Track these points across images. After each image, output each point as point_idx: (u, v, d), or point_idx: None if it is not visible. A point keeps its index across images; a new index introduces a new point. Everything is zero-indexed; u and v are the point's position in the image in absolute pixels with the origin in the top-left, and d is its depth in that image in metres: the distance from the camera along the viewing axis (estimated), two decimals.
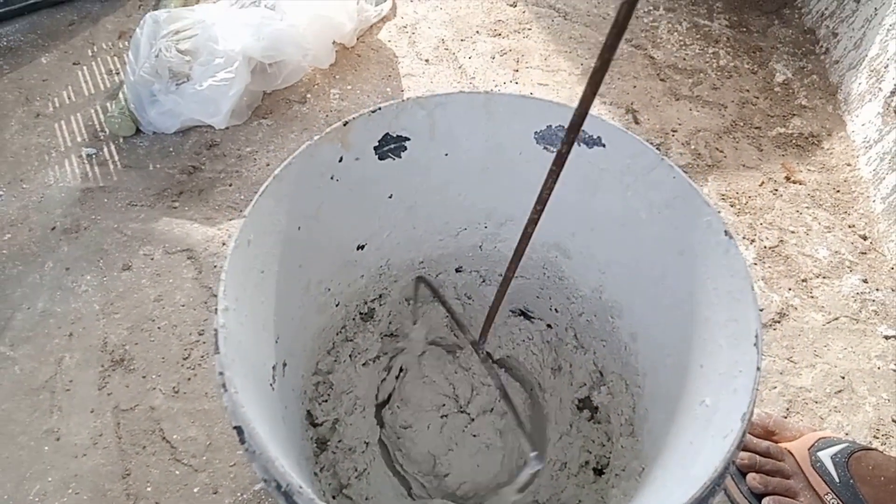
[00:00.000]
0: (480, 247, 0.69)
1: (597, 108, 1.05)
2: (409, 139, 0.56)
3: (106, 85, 1.02)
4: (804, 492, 0.65)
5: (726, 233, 0.47)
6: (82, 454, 0.69)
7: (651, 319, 0.56)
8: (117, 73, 1.03)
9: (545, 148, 0.56)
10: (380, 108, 0.52)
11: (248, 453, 0.39)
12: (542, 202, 0.41)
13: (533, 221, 0.42)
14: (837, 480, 0.64)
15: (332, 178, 0.54)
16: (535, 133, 0.55)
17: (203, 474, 0.68)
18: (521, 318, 0.74)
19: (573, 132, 0.37)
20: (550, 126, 0.54)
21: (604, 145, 0.53)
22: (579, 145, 0.54)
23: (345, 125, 0.52)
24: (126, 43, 1.07)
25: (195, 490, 0.67)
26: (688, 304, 0.49)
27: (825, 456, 0.66)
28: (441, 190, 0.61)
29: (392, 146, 0.56)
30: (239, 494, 0.67)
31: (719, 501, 0.68)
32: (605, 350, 0.64)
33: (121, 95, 0.95)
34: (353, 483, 0.63)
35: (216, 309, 0.43)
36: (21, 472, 0.67)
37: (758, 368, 0.40)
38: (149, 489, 0.67)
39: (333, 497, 0.60)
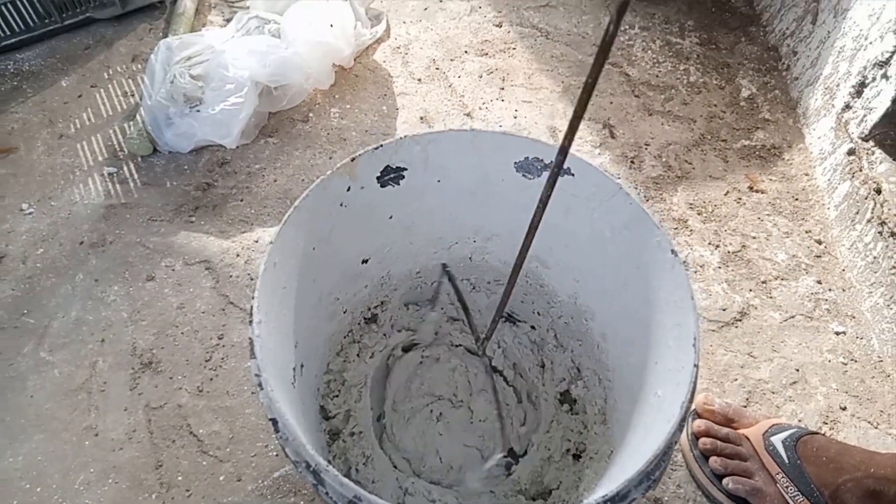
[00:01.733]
0: (470, 258, 0.78)
1: None
2: (406, 169, 0.65)
3: (122, 106, 1.10)
4: (759, 472, 0.74)
5: (672, 251, 0.56)
6: (119, 448, 0.77)
7: (617, 322, 0.65)
8: (132, 95, 1.11)
9: (524, 175, 0.65)
10: (381, 146, 0.61)
11: (282, 440, 0.48)
12: (533, 227, 0.50)
13: (526, 246, 0.51)
14: (787, 461, 0.73)
15: (341, 204, 0.63)
16: (515, 163, 0.64)
17: (227, 464, 0.77)
18: (508, 322, 0.83)
19: (551, 183, 0.45)
20: (528, 157, 0.63)
21: (573, 175, 0.62)
22: None
23: (352, 161, 0.60)
24: (139, 65, 1.15)
25: (221, 478, 0.76)
26: (644, 309, 0.58)
27: (777, 440, 0.75)
28: (435, 211, 0.70)
29: (392, 175, 0.64)
30: (260, 481, 0.75)
31: (685, 481, 0.78)
32: (581, 349, 0.74)
33: (138, 117, 1.03)
34: (361, 469, 0.72)
35: (251, 321, 0.52)
36: (66, 465, 0.75)
37: (695, 365, 0.49)
38: (179, 478, 0.75)
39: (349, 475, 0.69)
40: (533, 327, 0.82)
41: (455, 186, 0.68)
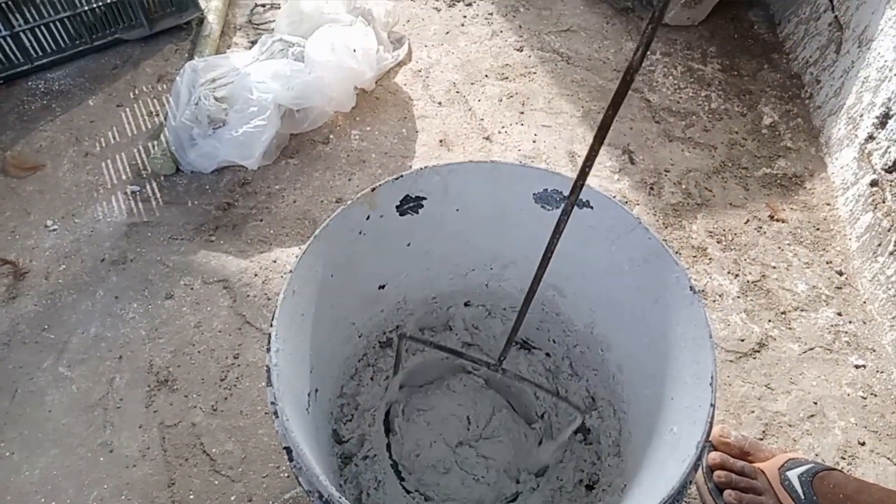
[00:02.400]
0: (487, 285, 0.78)
1: None
2: (425, 198, 0.65)
3: (147, 126, 1.12)
4: None
5: (691, 288, 0.56)
6: (133, 465, 0.78)
7: (634, 355, 0.65)
8: (157, 115, 1.13)
9: (542, 207, 0.65)
10: (402, 176, 0.62)
11: (295, 469, 0.48)
12: (548, 255, 0.50)
13: (540, 275, 0.51)
14: (803, 497, 0.72)
15: (360, 233, 0.64)
16: (534, 194, 0.64)
17: (239, 484, 0.77)
18: (523, 349, 0.82)
19: (566, 213, 0.46)
20: (546, 189, 0.63)
21: (591, 207, 0.62)
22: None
23: (372, 191, 0.61)
24: (165, 85, 1.17)
25: (232, 498, 0.76)
26: (662, 344, 0.58)
27: (793, 475, 0.74)
28: (453, 239, 0.70)
29: (411, 204, 0.65)
30: (271, 502, 0.75)
31: None
32: (597, 378, 0.73)
33: (162, 137, 1.05)
34: (372, 493, 0.71)
35: (268, 349, 0.52)
36: (80, 480, 0.76)
37: (711, 405, 0.49)
38: (191, 497, 0.76)
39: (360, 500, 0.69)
40: (548, 354, 0.81)
41: (473, 216, 0.69)
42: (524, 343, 0.83)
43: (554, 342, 0.80)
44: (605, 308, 0.69)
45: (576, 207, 0.64)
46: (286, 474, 0.78)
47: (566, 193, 0.63)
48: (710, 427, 0.49)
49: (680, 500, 0.46)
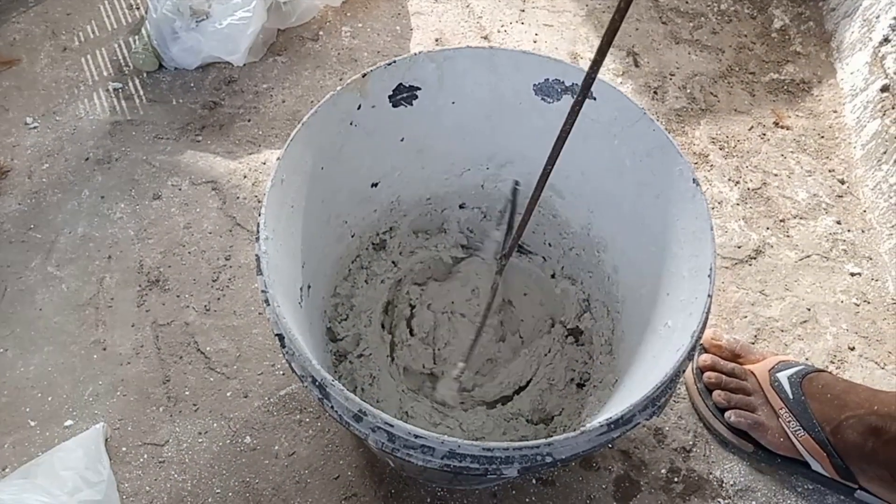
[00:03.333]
0: (482, 186, 0.76)
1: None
2: (420, 88, 0.62)
3: (127, 20, 1.06)
4: (762, 407, 0.74)
5: (694, 180, 0.54)
6: (126, 362, 0.78)
7: (631, 254, 0.64)
8: (137, 8, 1.07)
9: (542, 99, 0.62)
10: (394, 62, 0.58)
11: (287, 355, 0.48)
12: (552, 160, 0.48)
13: (543, 180, 0.49)
14: (791, 397, 0.73)
15: (351, 123, 0.61)
16: (534, 85, 0.61)
17: (234, 381, 0.77)
18: (520, 253, 0.81)
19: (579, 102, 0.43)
20: (548, 79, 0.60)
21: (594, 98, 0.59)
22: (572, 97, 0.60)
23: (363, 77, 0.58)
24: None
25: (228, 394, 0.77)
26: (661, 240, 0.57)
27: (783, 376, 0.75)
28: (448, 134, 0.67)
29: (405, 95, 0.62)
30: (267, 398, 0.76)
31: (688, 413, 0.78)
32: (592, 280, 0.72)
33: (143, 31, 0.99)
34: (367, 388, 0.72)
35: (257, 238, 0.51)
36: (75, 376, 0.77)
37: (709, 295, 0.48)
38: (187, 393, 0.77)
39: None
40: (544, 258, 0.80)
41: (470, 109, 0.65)
42: (520, 247, 0.82)
43: (550, 245, 0.78)
44: (603, 207, 0.67)
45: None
46: (281, 372, 0.78)
47: (568, 83, 0.60)
48: (706, 318, 0.48)
49: (672, 388, 0.46)
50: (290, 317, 0.50)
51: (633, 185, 0.61)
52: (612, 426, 0.44)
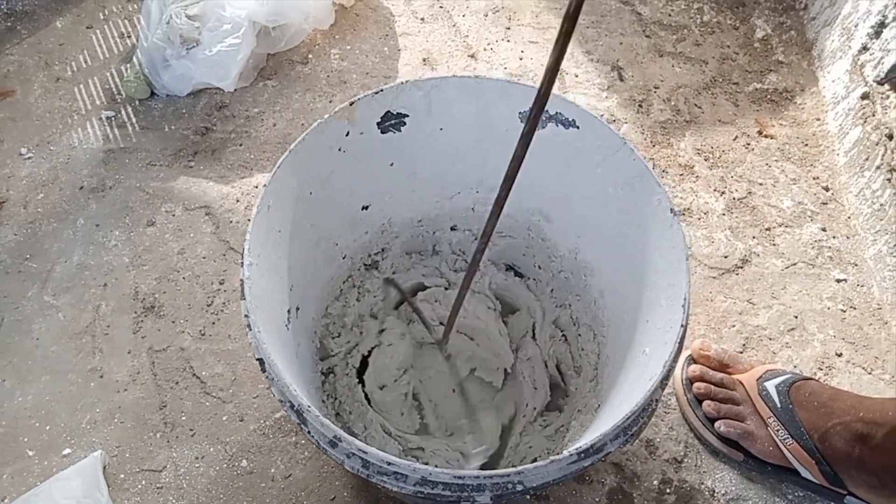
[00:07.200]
0: (473, 209, 0.77)
1: (583, 66, 1.11)
2: (408, 115, 0.63)
3: (119, 48, 1.08)
4: (751, 416, 0.75)
5: (672, 210, 0.55)
6: (123, 389, 0.79)
7: (615, 280, 0.65)
8: (128, 37, 1.09)
9: None
10: (381, 90, 0.60)
11: (268, 380, 0.49)
12: (508, 181, 0.49)
13: (503, 195, 0.50)
14: (779, 406, 0.74)
15: (339, 149, 0.62)
16: (519, 113, 0.63)
17: (230, 405, 0.78)
18: (513, 273, 0.82)
19: (533, 122, 0.44)
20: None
21: (577, 127, 0.61)
22: (557, 126, 0.61)
23: (351, 105, 0.59)
24: (135, 6, 1.12)
25: (224, 418, 0.78)
26: (641, 268, 0.58)
27: (770, 385, 0.76)
28: (437, 159, 0.69)
29: (393, 121, 0.63)
30: (262, 421, 0.77)
31: (678, 423, 0.79)
32: (579, 304, 0.74)
33: (135, 60, 1.01)
34: (344, 401, 0.73)
35: (242, 263, 0.52)
36: (73, 405, 0.78)
37: (682, 325, 0.49)
38: (183, 418, 0.78)
39: (338, 415, 0.71)
40: (534, 280, 0.82)
41: (458, 135, 0.67)
42: (514, 270, 0.83)
43: (539, 268, 0.80)
44: (589, 233, 0.68)
45: (562, 127, 0.62)
46: None
47: (552, 112, 0.62)
48: (680, 348, 0.49)
49: (645, 416, 0.47)
50: (274, 340, 0.52)
51: (615, 212, 0.62)
52: (583, 455, 0.45)
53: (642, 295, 0.58)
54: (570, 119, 0.61)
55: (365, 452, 0.45)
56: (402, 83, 0.61)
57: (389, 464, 0.44)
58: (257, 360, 0.50)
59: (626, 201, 0.60)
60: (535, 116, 0.42)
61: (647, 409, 0.47)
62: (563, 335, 0.78)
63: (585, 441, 0.45)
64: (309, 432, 0.47)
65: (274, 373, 0.48)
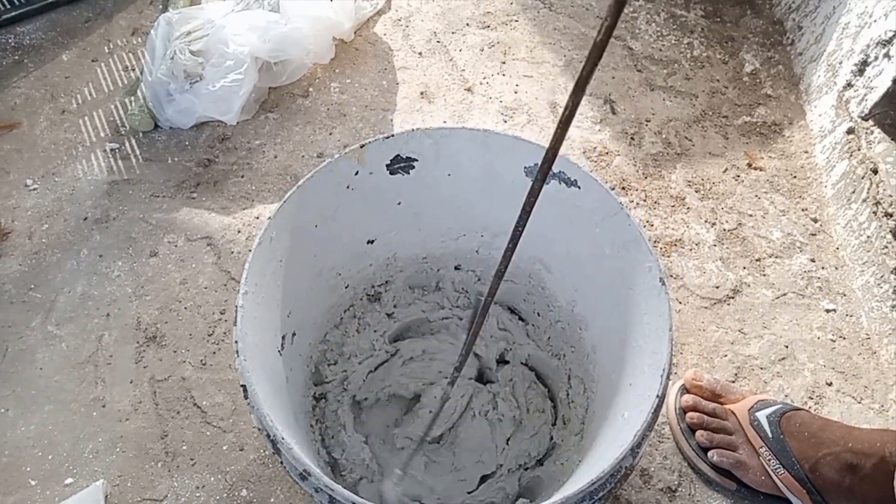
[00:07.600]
0: (477, 251, 0.79)
1: None
2: (417, 160, 0.66)
3: (123, 81, 1.10)
4: (743, 445, 0.77)
5: (661, 279, 0.57)
6: (125, 419, 0.80)
7: (606, 337, 0.67)
8: (133, 70, 1.12)
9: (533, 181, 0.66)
10: (392, 135, 0.62)
11: (249, 406, 0.51)
12: (516, 236, 0.51)
13: (509, 254, 0.52)
14: (770, 436, 0.75)
15: (348, 187, 0.64)
16: (525, 168, 0.65)
17: (230, 434, 0.79)
18: (521, 321, 0.84)
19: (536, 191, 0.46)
20: (536, 164, 0.64)
21: (579, 187, 0.63)
22: (560, 183, 0.64)
23: (362, 147, 0.61)
24: (139, 39, 1.15)
25: (224, 448, 0.79)
26: (628, 331, 0.61)
27: (762, 416, 0.77)
28: (444, 202, 0.71)
29: (402, 164, 0.66)
30: (262, 451, 0.78)
31: (672, 453, 0.80)
32: (573, 356, 0.76)
33: (139, 93, 1.03)
34: (331, 429, 0.75)
35: (239, 291, 0.54)
36: (75, 434, 0.78)
37: (658, 396, 0.51)
38: (184, 447, 0.78)
39: (324, 440, 0.73)
40: (533, 326, 0.83)
41: (466, 182, 0.69)
42: (517, 314, 0.85)
43: (538, 315, 0.81)
44: (586, 288, 0.70)
45: (564, 186, 0.65)
46: None
47: (556, 170, 0.64)
48: (655, 418, 0.50)
49: (612, 482, 0.48)
50: (263, 366, 0.54)
51: (610, 272, 0.64)
52: None
53: (628, 357, 0.59)
54: (573, 179, 0.63)
55: (332, 490, 0.46)
56: (412, 130, 0.63)
57: (354, 503, 0.46)
58: (241, 385, 0.52)
59: (622, 264, 0.62)
60: (544, 173, 0.44)
61: (616, 475, 0.48)
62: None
63: (553, 500, 0.46)
64: (282, 462, 0.49)
65: (254, 401, 0.50)
